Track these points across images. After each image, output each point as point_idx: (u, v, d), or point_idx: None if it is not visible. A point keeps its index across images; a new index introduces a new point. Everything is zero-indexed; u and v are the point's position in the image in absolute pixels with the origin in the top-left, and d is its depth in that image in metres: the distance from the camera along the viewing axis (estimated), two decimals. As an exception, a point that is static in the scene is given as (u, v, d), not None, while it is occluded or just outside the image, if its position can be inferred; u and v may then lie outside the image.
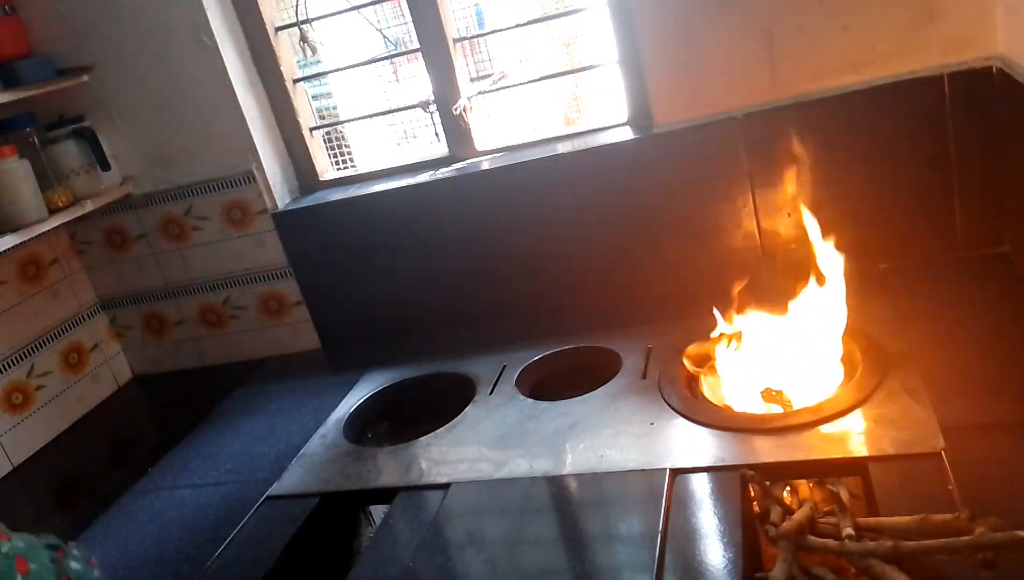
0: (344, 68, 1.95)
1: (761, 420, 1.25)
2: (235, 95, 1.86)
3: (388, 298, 1.95)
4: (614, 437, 1.32)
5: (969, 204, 1.55)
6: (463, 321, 1.91)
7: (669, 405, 1.36)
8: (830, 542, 0.96)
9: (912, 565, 0.88)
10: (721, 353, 1.37)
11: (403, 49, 1.92)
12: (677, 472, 1.20)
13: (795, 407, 1.27)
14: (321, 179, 2.03)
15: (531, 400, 1.52)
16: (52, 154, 1.89)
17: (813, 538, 0.98)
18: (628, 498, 1.19)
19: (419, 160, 1.95)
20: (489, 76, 1.89)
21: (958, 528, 0.86)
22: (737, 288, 1.37)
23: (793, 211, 1.48)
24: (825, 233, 1.35)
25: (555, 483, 1.26)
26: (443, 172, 1.86)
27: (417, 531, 1.24)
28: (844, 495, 1.00)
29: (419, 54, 1.83)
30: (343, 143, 2.05)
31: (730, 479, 1.14)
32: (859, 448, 1.13)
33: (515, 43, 1.87)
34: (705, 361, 1.43)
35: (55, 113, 1.91)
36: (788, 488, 1.11)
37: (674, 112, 1.65)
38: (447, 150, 1.91)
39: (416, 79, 1.90)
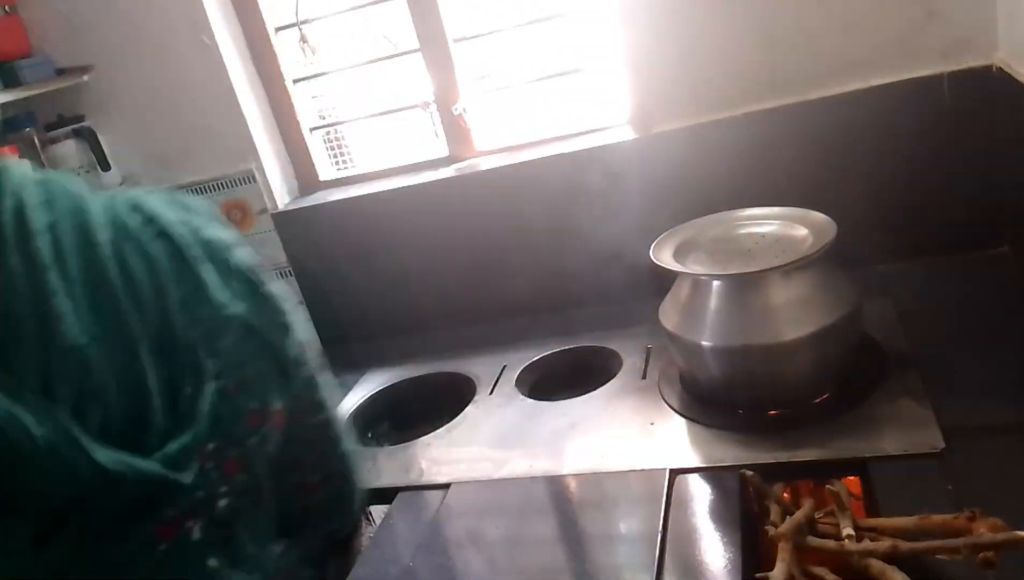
0: (344, 68, 1.95)
1: (761, 420, 1.25)
2: (235, 95, 1.86)
3: (388, 298, 1.95)
4: (614, 437, 1.32)
5: (969, 204, 1.55)
6: (463, 321, 1.91)
7: (669, 405, 1.36)
8: (830, 542, 0.96)
9: (912, 565, 0.88)
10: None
11: (403, 49, 1.92)
12: (677, 472, 1.20)
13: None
14: (321, 179, 2.03)
15: (531, 400, 1.52)
16: (52, 154, 1.89)
17: (813, 538, 0.98)
18: (628, 498, 1.19)
19: (419, 160, 1.95)
20: (489, 76, 1.89)
21: (958, 528, 0.86)
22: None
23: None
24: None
25: (555, 483, 1.26)
26: (443, 172, 1.87)
27: (417, 531, 1.24)
28: (844, 495, 1.00)
29: (419, 54, 1.83)
30: (343, 143, 2.06)
31: (730, 479, 1.14)
32: (859, 448, 1.13)
33: (516, 43, 1.87)
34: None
35: (55, 113, 1.91)
36: (787, 488, 1.11)
37: (674, 112, 1.65)
38: (447, 150, 1.92)
39: (416, 79, 1.90)
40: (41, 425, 0.50)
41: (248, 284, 0.66)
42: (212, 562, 0.62)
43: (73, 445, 0.52)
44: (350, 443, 0.81)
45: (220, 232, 0.67)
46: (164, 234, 0.61)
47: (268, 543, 0.69)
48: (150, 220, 0.62)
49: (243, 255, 0.67)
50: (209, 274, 0.62)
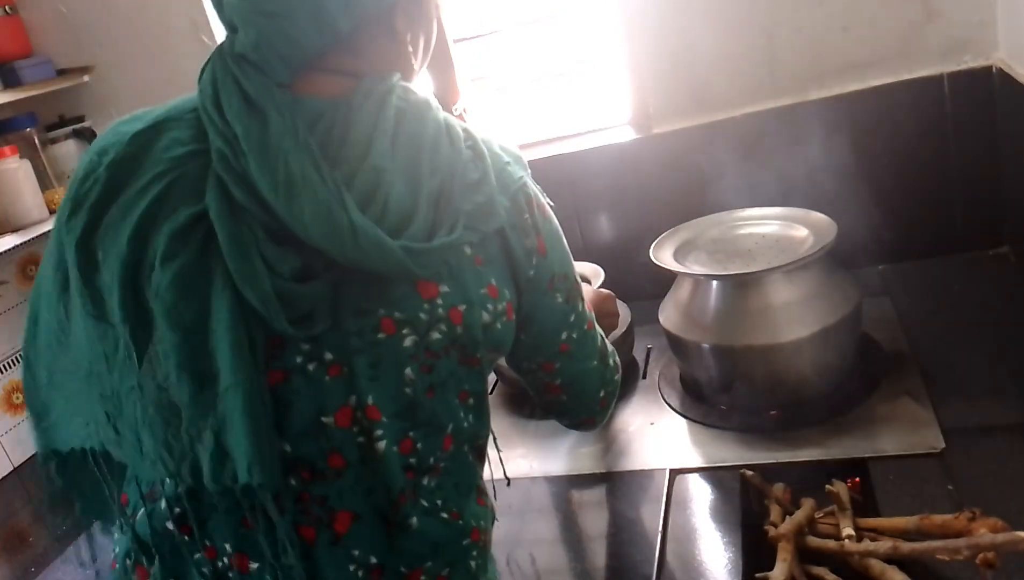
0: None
1: (761, 420, 1.25)
2: (235, 95, 1.86)
3: (388, 298, 1.95)
4: (614, 437, 1.32)
5: (969, 204, 1.55)
6: (463, 321, 1.90)
7: (669, 405, 1.36)
8: (830, 542, 0.96)
9: (912, 565, 0.88)
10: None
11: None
12: (677, 472, 1.20)
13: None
14: (321, 179, 2.02)
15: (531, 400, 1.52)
16: (52, 154, 1.89)
17: (813, 538, 0.98)
18: (628, 498, 1.19)
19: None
20: (489, 76, 1.89)
21: (958, 528, 0.86)
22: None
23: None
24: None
25: (555, 483, 1.26)
26: (443, 172, 1.86)
27: (417, 531, 1.23)
28: (844, 495, 1.00)
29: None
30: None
31: (730, 479, 1.14)
32: (859, 448, 1.13)
33: (516, 43, 1.87)
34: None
35: (55, 113, 1.91)
36: (787, 488, 1.11)
37: (674, 113, 1.65)
38: (447, 150, 1.91)
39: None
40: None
41: (522, 207, 0.78)
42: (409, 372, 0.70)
43: (342, 206, 0.65)
44: (603, 364, 0.92)
45: (516, 178, 0.79)
46: (475, 147, 0.75)
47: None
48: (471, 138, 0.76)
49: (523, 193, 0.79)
50: (493, 185, 0.75)
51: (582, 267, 1.52)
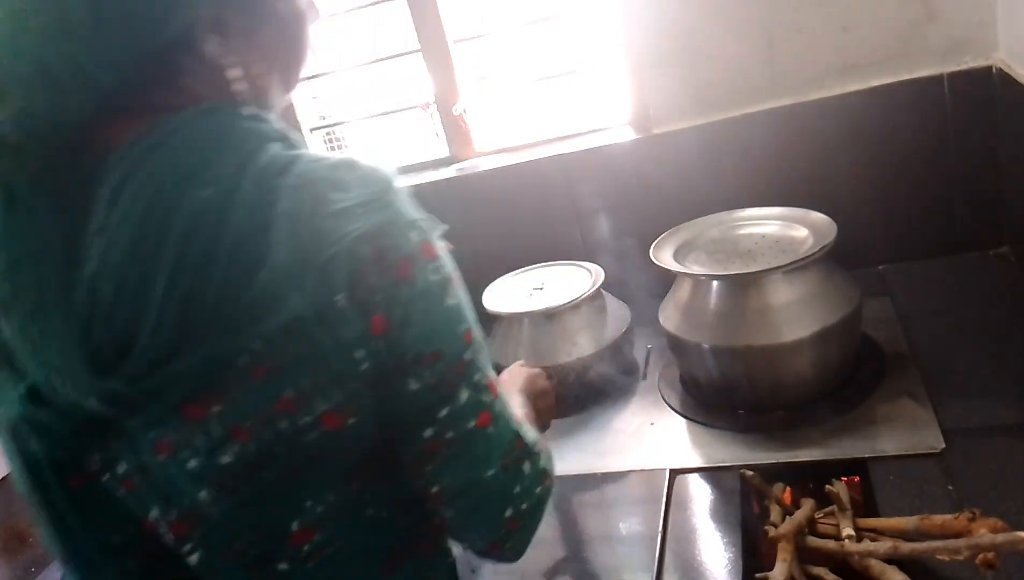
0: (344, 68, 1.95)
1: (761, 420, 1.25)
2: (235, 95, 1.86)
3: (388, 298, 1.95)
4: (614, 437, 1.32)
5: (969, 205, 1.55)
6: (463, 321, 1.90)
7: (669, 405, 1.36)
8: (830, 542, 0.96)
9: (912, 565, 0.88)
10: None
11: (403, 50, 1.92)
12: (677, 472, 1.20)
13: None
14: (321, 179, 2.02)
15: (531, 400, 1.52)
16: (52, 154, 1.89)
17: (813, 538, 0.98)
18: (628, 498, 1.19)
19: (419, 160, 1.95)
20: (489, 77, 1.90)
21: (958, 528, 0.86)
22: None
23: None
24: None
25: (555, 483, 1.26)
26: (443, 172, 1.87)
27: (417, 531, 1.23)
28: (844, 495, 1.00)
29: (419, 55, 1.83)
30: (342, 144, 2.06)
31: (730, 479, 1.14)
32: (859, 448, 1.13)
33: (516, 43, 1.87)
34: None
35: (55, 113, 1.91)
36: (787, 488, 1.11)
37: (674, 113, 1.65)
38: (448, 151, 1.92)
39: (416, 80, 1.90)
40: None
41: (336, 284, 0.58)
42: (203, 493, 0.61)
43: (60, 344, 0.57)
44: (510, 474, 0.70)
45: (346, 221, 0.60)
46: (274, 205, 0.57)
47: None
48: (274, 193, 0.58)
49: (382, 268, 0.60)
50: (280, 262, 0.56)
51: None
